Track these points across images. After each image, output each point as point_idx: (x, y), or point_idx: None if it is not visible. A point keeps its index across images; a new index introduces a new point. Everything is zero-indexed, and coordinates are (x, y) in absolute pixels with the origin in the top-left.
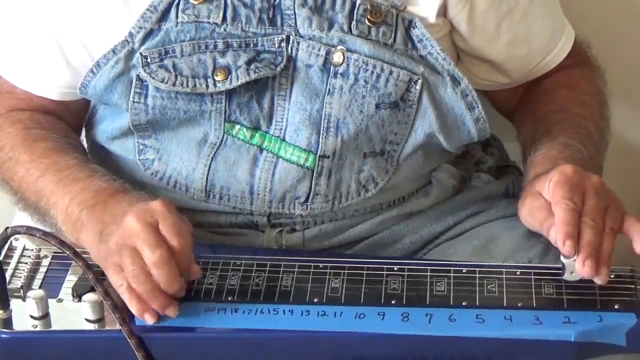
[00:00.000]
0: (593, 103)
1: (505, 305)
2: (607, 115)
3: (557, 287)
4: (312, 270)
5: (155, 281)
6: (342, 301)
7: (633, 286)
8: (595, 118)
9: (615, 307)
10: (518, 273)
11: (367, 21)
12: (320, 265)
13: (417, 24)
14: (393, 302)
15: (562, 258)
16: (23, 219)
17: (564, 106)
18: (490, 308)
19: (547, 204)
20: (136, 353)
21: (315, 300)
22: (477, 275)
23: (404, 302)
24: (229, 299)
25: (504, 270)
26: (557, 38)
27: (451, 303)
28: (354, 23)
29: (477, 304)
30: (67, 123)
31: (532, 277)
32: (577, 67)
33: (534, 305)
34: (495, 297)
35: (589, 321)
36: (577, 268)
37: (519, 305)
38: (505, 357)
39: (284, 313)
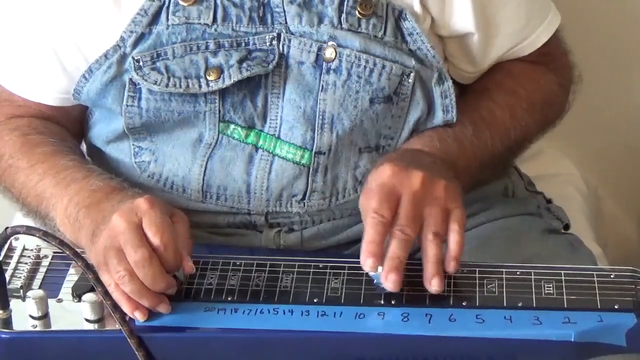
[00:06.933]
0: (522, 95)
1: (505, 305)
2: (535, 114)
3: (557, 287)
4: (312, 270)
5: (140, 281)
6: (342, 301)
7: (633, 286)
8: (514, 109)
9: (615, 307)
10: (518, 273)
11: (357, 13)
12: (320, 265)
13: (407, 16)
14: (393, 302)
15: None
16: (23, 219)
17: (486, 88)
18: (490, 308)
19: None
20: (136, 353)
21: (315, 301)
22: (477, 275)
23: (404, 302)
24: (229, 299)
25: (504, 270)
26: (534, 24)
27: (451, 303)
28: (344, 16)
29: (477, 304)
30: (66, 128)
31: (532, 277)
32: (531, 64)
33: (534, 305)
34: (495, 297)
35: (588, 321)
36: (382, 281)
37: (518, 305)
38: (505, 357)
39: (284, 313)
